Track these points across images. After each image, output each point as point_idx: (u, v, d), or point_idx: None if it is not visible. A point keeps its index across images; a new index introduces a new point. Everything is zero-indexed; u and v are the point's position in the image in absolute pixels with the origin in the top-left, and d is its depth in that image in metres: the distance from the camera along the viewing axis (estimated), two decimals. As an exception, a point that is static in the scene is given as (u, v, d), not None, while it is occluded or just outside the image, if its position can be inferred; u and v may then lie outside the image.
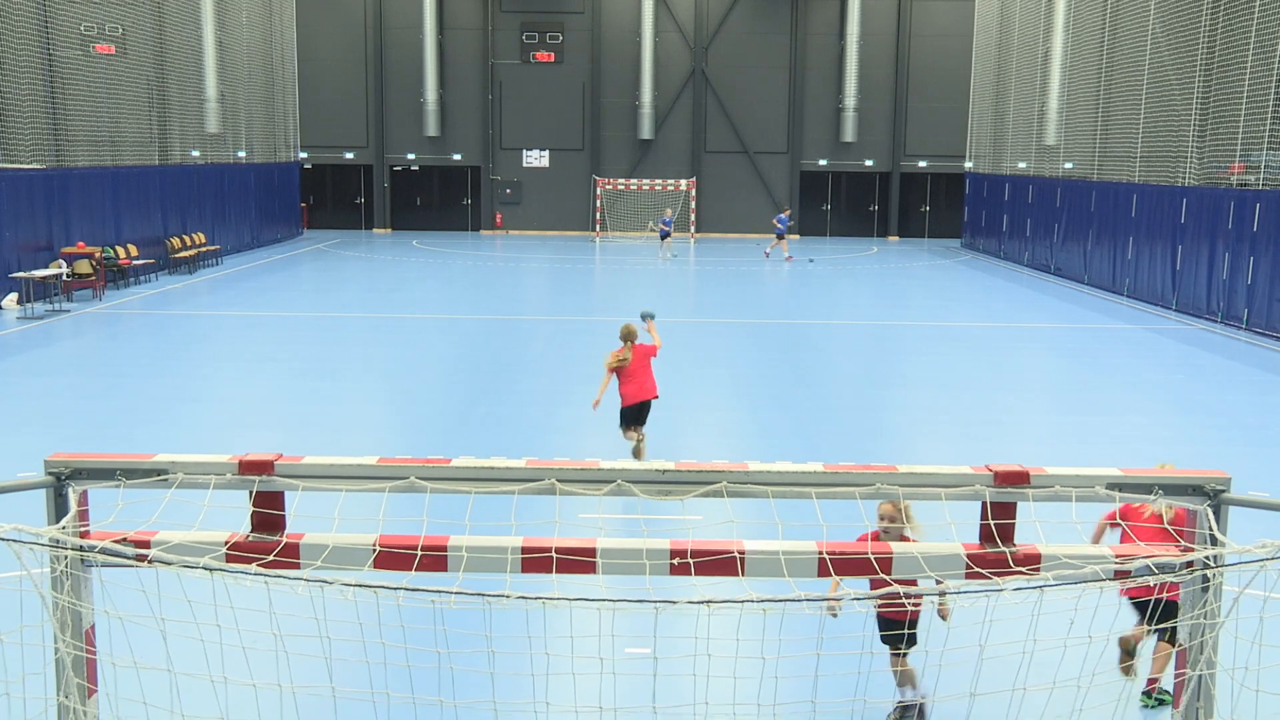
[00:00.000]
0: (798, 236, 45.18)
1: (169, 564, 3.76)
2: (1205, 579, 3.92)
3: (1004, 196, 37.44)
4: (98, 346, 19.93)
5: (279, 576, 3.76)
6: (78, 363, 18.60)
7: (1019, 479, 4.04)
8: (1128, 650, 5.84)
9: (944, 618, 5.83)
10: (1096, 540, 6.96)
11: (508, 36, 44.22)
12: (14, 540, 3.50)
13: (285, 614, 3.98)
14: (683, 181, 44.19)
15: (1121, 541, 6.78)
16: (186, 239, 31.54)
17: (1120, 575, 3.90)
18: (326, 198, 45.78)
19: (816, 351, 20.18)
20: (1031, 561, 4.00)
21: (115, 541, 3.83)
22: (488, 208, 45.44)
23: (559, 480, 3.99)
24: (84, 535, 3.93)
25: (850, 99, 43.87)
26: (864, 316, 25.34)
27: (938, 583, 5.37)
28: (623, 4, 43.80)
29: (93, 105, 27.98)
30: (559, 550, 3.92)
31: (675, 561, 3.96)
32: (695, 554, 3.98)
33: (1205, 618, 3.90)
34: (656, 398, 11.82)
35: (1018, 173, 36.59)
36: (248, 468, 3.99)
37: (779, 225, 36.45)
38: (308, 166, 44.02)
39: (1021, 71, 36.01)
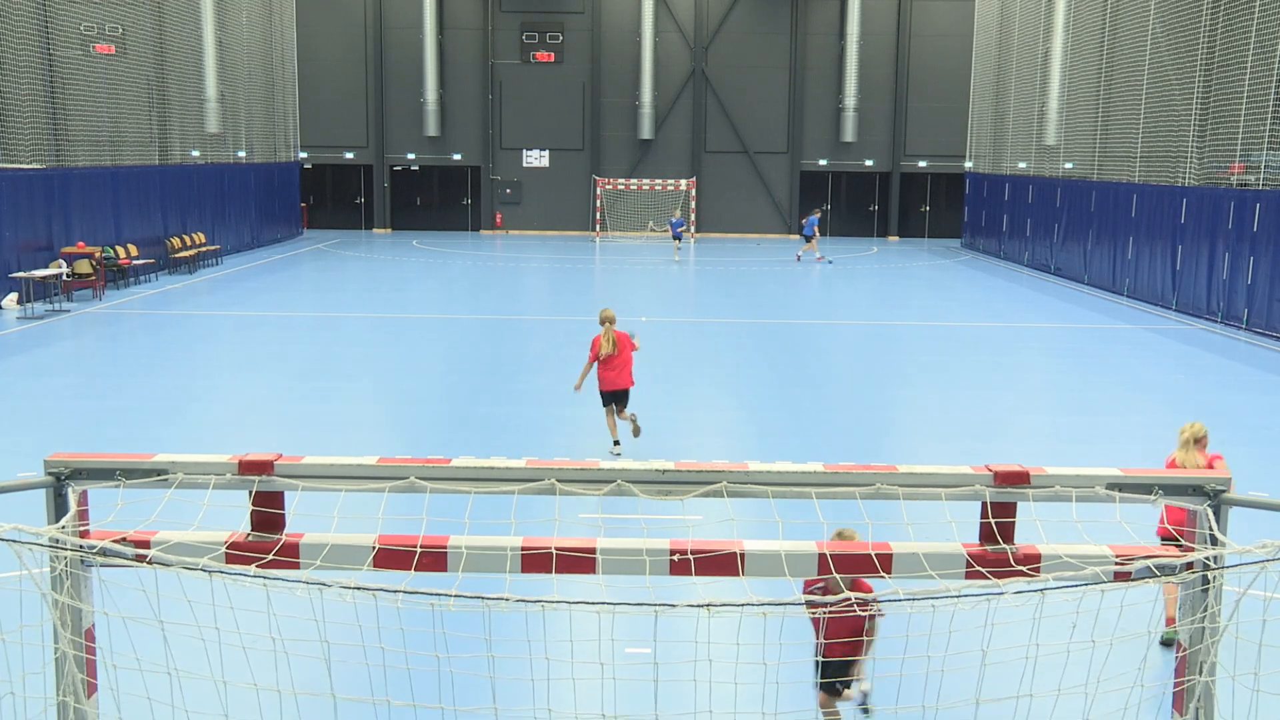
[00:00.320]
0: (797, 237, 45.20)
1: (168, 564, 3.76)
2: (1206, 580, 3.92)
3: (1004, 196, 37.45)
4: (98, 346, 19.93)
5: (278, 579, 3.76)
6: (78, 363, 18.60)
7: (1019, 479, 4.03)
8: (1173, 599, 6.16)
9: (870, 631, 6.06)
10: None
11: (508, 36, 44.23)
12: (14, 540, 3.50)
13: (285, 614, 3.98)
14: (683, 181, 44.19)
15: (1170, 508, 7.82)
16: (186, 239, 31.54)
17: (1120, 576, 3.90)
18: (326, 198, 45.79)
19: (816, 351, 20.18)
20: (1031, 561, 4.00)
21: (115, 541, 3.83)
22: (488, 208, 45.44)
23: (559, 480, 3.99)
24: (84, 535, 3.92)
25: (850, 99, 43.88)
26: (864, 316, 25.35)
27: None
28: (623, 4, 43.81)
29: (93, 105, 27.99)
30: (559, 550, 3.92)
31: (675, 559, 3.96)
32: (695, 553, 3.97)
33: (1206, 618, 3.90)
34: (632, 386, 12.68)
35: (1018, 173, 36.59)
36: (248, 468, 3.99)
37: (806, 228, 36.09)
38: (308, 166, 44.03)
39: (1021, 71, 36.01)
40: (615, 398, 12.62)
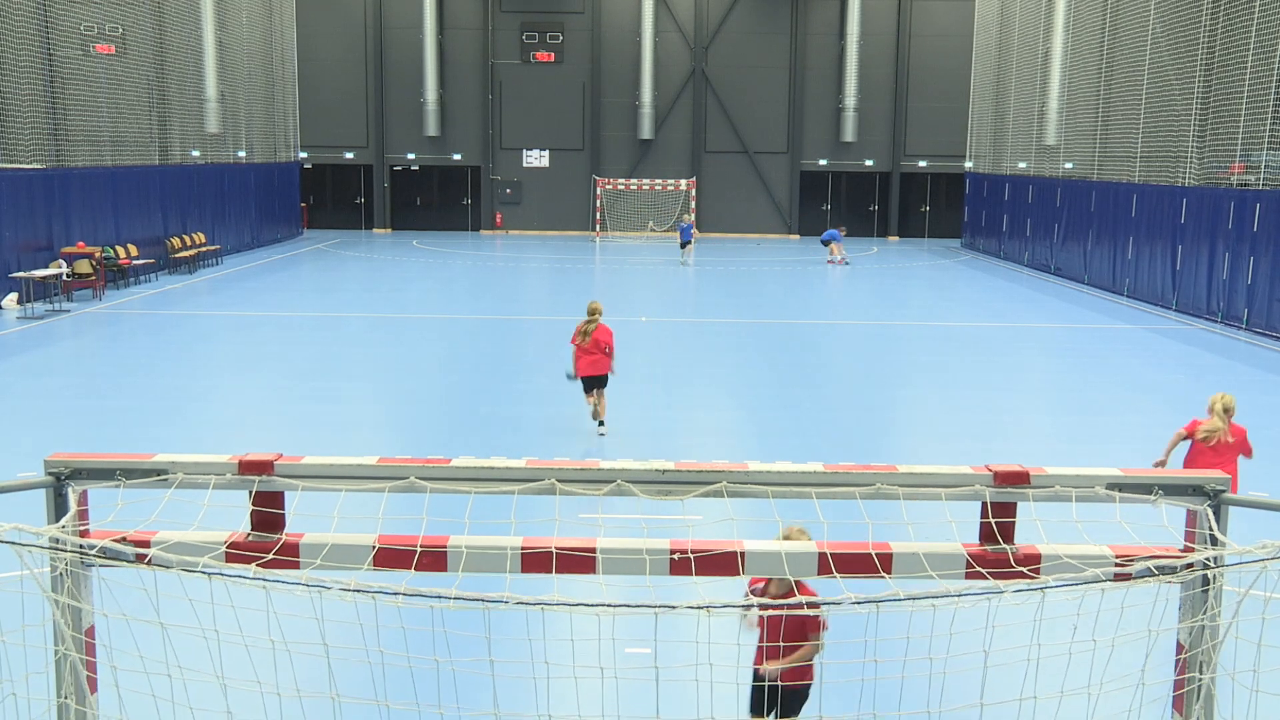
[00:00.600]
0: (797, 237, 45.20)
1: (168, 564, 3.76)
2: (1206, 580, 3.92)
3: (1004, 196, 37.45)
4: (98, 346, 19.93)
5: (278, 580, 3.76)
6: (78, 363, 18.60)
7: (1019, 479, 4.03)
8: None
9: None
10: (1168, 453, 9.37)
11: (508, 36, 44.23)
12: (14, 540, 3.50)
13: (285, 614, 3.98)
14: (683, 181, 44.20)
15: (1188, 457, 9.22)
16: (186, 239, 31.54)
17: (1121, 576, 3.90)
18: (326, 198, 45.79)
19: (816, 351, 20.18)
20: (1032, 562, 4.00)
21: (115, 541, 3.83)
22: (488, 208, 45.44)
23: (559, 480, 3.99)
24: (84, 535, 3.92)
25: (850, 99, 43.88)
26: (864, 316, 25.34)
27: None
28: (623, 4, 43.81)
29: (93, 105, 27.99)
30: (559, 550, 3.92)
31: (675, 559, 3.96)
32: (695, 553, 3.97)
33: (1206, 620, 3.90)
34: (608, 373, 13.49)
35: (1018, 173, 36.59)
36: (248, 468, 3.99)
37: (826, 236, 35.54)
38: (308, 166, 44.03)
39: (1021, 71, 36.01)
40: (592, 383, 13.52)
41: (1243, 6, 23.50)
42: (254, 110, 37.39)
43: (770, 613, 5.23)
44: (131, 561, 3.77)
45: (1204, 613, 3.91)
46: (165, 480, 4.00)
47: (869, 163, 45.13)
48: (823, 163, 45.09)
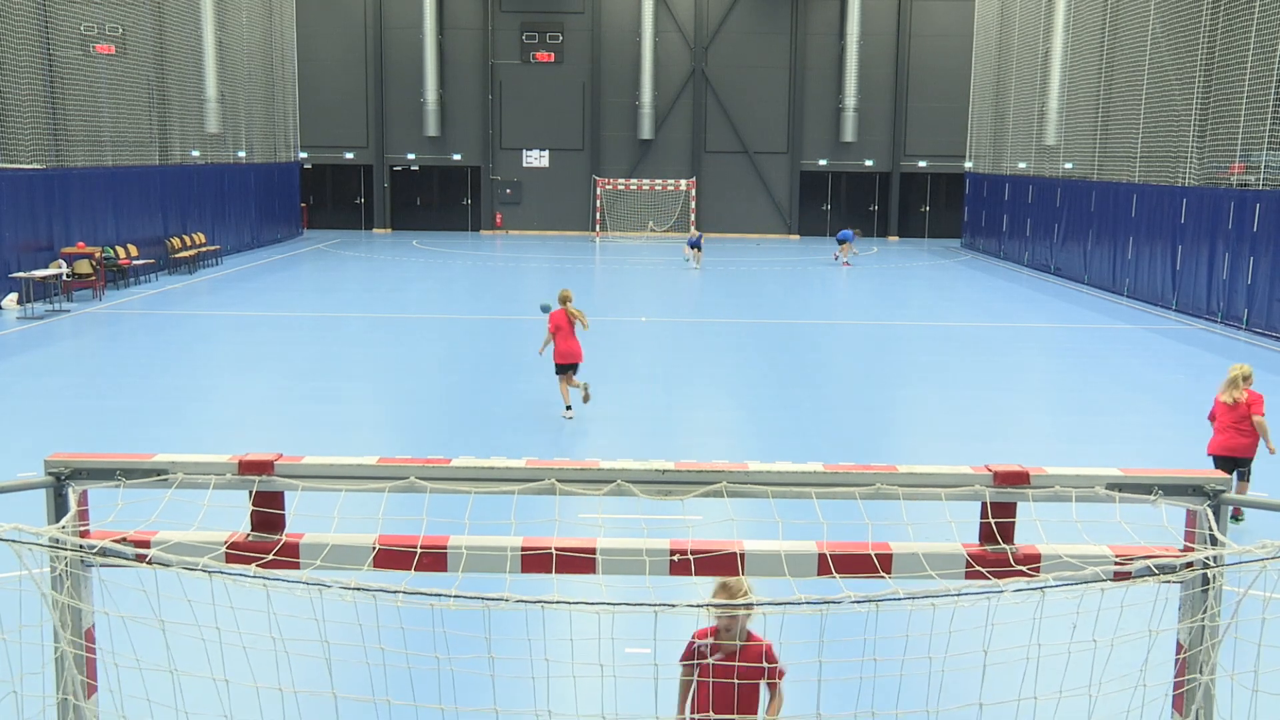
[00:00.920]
0: (797, 237, 45.20)
1: (168, 564, 3.76)
2: (1205, 579, 3.92)
3: (1004, 196, 37.45)
4: (98, 346, 19.93)
5: (278, 579, 3.76)
6: (78, 363, 18.60)
7: (1019, 479, 4.03)
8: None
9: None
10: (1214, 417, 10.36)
11: (508, 36, 44.23)
12: (14, 540, 3.50)
13: (285, 614, 3.98)
14: (683, 181, 44.20)
15: (1217, 431, 10.17)
16: (186, 239, 31.54)
17: (1120, 576, 3.90)
18: (326, 198, 45.79)
19: (816, 351, 20.18)
20: (1031, 561, 4.00)
21: (115, 541, 3.83)
22: (488, 208, 45.44)
23: (559, 480, 3.99)
24: (84, 535, 3.92)
25: (850, 99, 43.88)
26: (864, 316, 25.35)
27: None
28: (623, 4, 43.81)
29: (93, 105, 27.99)
30: (559, 550, 3.92)
31: (675, 559, 3.96)
32: (695, 553, 3.97)
33: (1206, 619, 3.90)
34: (581, 360, 14.37)
35: (1018, 173, 36.59)
36: (248, 468, 3.99)
37: (841, 235, 35.26)
38: (308, 166, 44.03)
39: (1021, 71, 36.01)
40: (568, 369, 14.32)
41: (1243, 6, 23.50)
42: (254, 110, 37.39)
43: (722, 672, 4.65)
44: (131, 561, 3.77)
45: (1203, 612, 3.91)
46: (165, 480, 4.00)
47: (869, 163, 45.13)
48: (823, 163, 45.09)
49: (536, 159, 45.05)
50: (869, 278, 32.38)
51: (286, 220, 40.69)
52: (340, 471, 4.02)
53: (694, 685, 4.85)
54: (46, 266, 24.14)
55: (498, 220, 45.35)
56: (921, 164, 45.10)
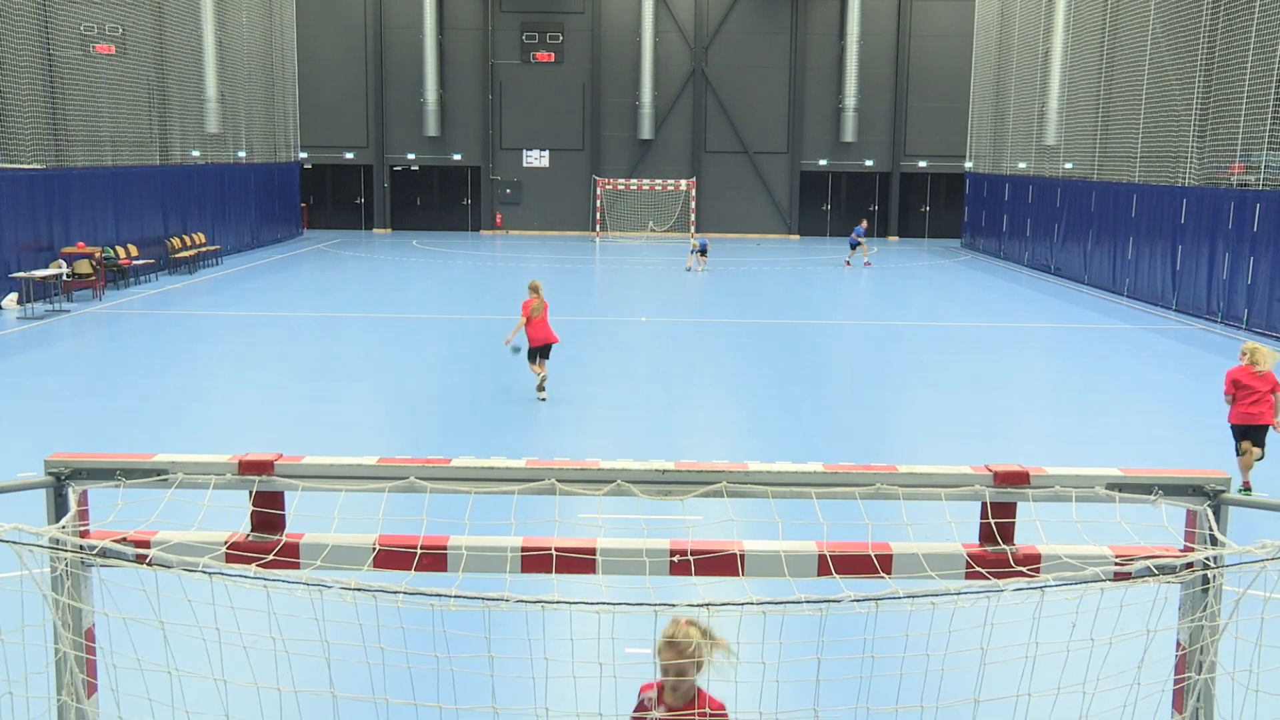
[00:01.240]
0: (797, 237, 45.20)
1: (169, 565, 3.76)
2: (1205, 580, 3.92)
3: (1004, 196, 37.45)
4: (98, 347, 19.93)
5: (278, 579, 3.76)
6: (78, 363, 18.60)
7: (1019, 479, 4.03)
8: (1240, 453, 11.12)
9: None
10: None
11: (508, 36, 44.23)
12: (14, 540, 3.50)
13: (285, 614, 3.98)
14: (683, 181, 44.19)
15: (1238, 402, 11.23)
16: (186, 239, 31.55)
17: (1120, 576, 3.90)
18: (326, 198, 45.79)
19: (816, 351, 20.18)
20: (1031, 562, 4.00)
21: (115, 541, 3.83)
22: (488, 208, 45.45)
23: (559, 480, 3.98)
24: (84, 535, 3.92)
25: (850, 99, 43.88)
26: (864, 316, 25.35)
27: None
28: (623, 4, 43.81)
29: (93, 105, 27.99)
30: (559, 550, 3.92)
31: (675, 559, 3.96)
32: (695, 553, 3.97)
33: (1206, 619, 3.90)
34: (557, 341, 15.46)
35: (1018, 173, 36.59)
36: (248, 468, 3.99)
37: (855, 236, 34.88)
38: (308, 166, 44.03)
39: (1021, 71, 36.01)
40: (544, 352, 15.39)
41: (1243, 7, 23.50)
42: (254, 110, 37.39)
43: None
44: (131, 562, 3.77)
45: (1203, 612, 3.91)
46: (165, 480, 4.00)
47: (869, 163, 45.14)
48: (823, 163, 45.09)
49: (536, 159, 45.05)
50: (869, 278, 32.38)
51: (286, 220, 40.69)
52: (340, 471, 4.02)
53: None
54: (46, 266, 24.14)
55: (498, 220, 45.36)
56: (921, 164, 45.10)
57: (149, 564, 3.78)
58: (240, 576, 3.74)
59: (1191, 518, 4.03)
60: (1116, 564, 3.92)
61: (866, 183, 45.62)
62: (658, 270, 33.13)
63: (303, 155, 42.96)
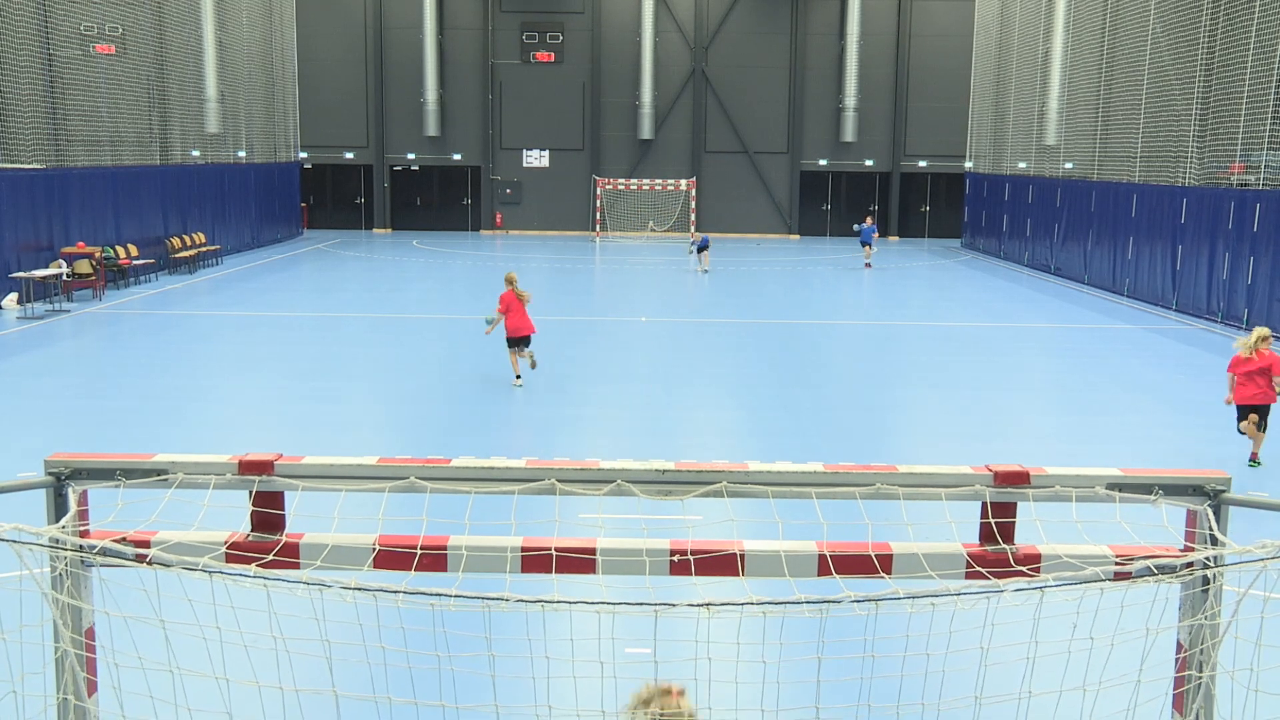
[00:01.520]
0: (797, 237, 45.20)
1: (169, 564, 3.76)
2: (1206, 580, 3.92)
3: (1004, 196, 37.45)
4: (98, 346, 19.93)
5: (278, 580, 3.76)
6: (78, 363, 18.60)
7: (1019, 479, 4.03)
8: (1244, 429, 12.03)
9: None
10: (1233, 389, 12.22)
11: (508, 36, 44.23)
12: (14, 540, 3.50)
13: (285, 614, 3.98)
14: (683, 181, 44.19)
15: (1238, 388, 12.05)
16: (186, 239, 31.55)
17: (1120, 576, 3.90)
18: (326, 198, 45.80)
19: (816, 351, 20.18)
20: (1031, 561, 4.00)
21: (115, 541, 3.83)
22: (488, 208, 45.45)
23: (559, 480, 3.98)
24: (84, 535, 3.92)
25: (850, 99, 43.88)
26: (864, 316, 25.35)
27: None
28: (623, 4, 43.81)
29: (93, 105, 27.99)
30: (559, 550, 3.92)
31: (675, 559, 3.96)
32: (695, 553, 3.97)
33: (1206, 619, 3.90)
34: (534, 332, 16.23)
35: (1018, 173, 36.59)
36: (248, 468, 3.99)
37: (865, 235, 34.40)
38: (308, 166, 44.03)
39: (1021, 71, 36.01)
40: (522, 342, 16.06)
41: (1243, 7, 23.50)
42: (254, 110, 37.39)
43: None
44: (131, 561, 3.77)
45: (1203, 612, 3.91)
46: (165, 480, 4.00)
47: (869, 163, 45.14)
48: (823, 163, 45.09)
49: (536, 159, 45.05)
50: (869, 277, 32.38)
51: (286, 220, 40.69)
52: (340, 471, 4.02)
53: None
54: (46, 266, 24.14)
55: (498, 220, 45.36)
56: (921, 164, 45.10)
57: (149, 563, 3.78)
58: (240, 576, 3.74)
59: (1192, 518, 4.03)
60: (1117, 564, 3.92)
61: (866, 183, 45.62)
62: (658, 270, 33.13)
63: (303, 155, 42.97)
